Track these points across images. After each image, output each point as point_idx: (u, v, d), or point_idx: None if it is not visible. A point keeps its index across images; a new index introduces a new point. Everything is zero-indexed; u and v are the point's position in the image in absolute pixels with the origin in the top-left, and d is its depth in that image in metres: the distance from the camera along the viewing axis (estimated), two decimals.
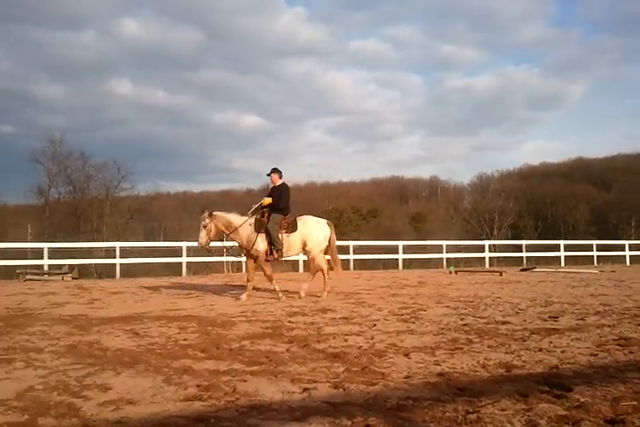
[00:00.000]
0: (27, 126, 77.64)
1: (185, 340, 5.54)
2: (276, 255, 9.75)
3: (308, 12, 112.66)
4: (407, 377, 3.95)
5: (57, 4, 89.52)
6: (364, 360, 4.46)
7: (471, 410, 3.13)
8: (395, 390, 3.59)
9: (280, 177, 10.16)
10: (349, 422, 2.95)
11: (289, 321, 6.74)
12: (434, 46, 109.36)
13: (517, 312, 7.51)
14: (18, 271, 18.00)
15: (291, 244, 9.79)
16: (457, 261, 24.82)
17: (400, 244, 23.14)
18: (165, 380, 3.86)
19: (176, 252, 21.08)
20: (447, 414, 3.08)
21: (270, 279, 9.91)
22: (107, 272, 24.03)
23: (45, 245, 18.94)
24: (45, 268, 18.55)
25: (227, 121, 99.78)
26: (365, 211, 57.49)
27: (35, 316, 7.59)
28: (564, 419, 2.98)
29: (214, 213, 9.81)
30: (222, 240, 10.22)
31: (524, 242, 26.98)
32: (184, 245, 20.38)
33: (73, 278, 17.69)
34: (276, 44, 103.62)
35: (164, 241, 35.20)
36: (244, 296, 9.62)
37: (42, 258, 18.80)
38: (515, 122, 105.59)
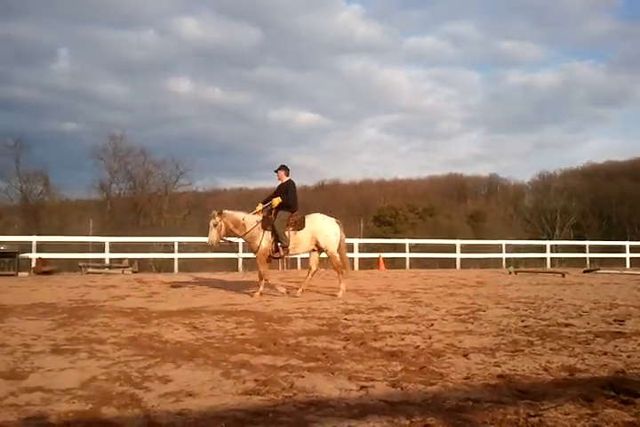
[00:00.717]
0: (89, 124, 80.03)
1: (242, 334, 5.59)
2: (282, 252, 9.75)
3: (365, 10, 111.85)
4: (466, 378, 3.87)
5: (119, 5, 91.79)
6: (421, 360, 4.40)
7: (533, 413, 3.04)
8: (454, 391, 3.52)
9: (287, 174, 10.14)
10: (408, 422, 2.91)
11: (345, 319, 6.72)
12: (493, 43, 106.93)
13: (580, 315, 7.28)
14: (80, 264, 18.58)
15: (298, 241, 9.75)
16: (516, 262, 24.33)
17: (458, 243, 22.85)
18: (224, 373, 3.90)
19: (232, 247, 21.34)
20: (508, 416, 3.00)
21: (261, 278, 9.86)
22: (165, 267, 24.54)
23: (106, 240, 19.48)
24: (106, 261, 19.10)
25: (282, 118, 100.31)
26: (422, 209, 56.95)
27: (97, 308, 7.81)
28: (631, 426, 2.87)
29: (224, 211, 9.89)
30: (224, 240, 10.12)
31: (587, 242, 26.20)
32: (240, 241, 20.60)
33: (133, 272, 18.17)
34: (333, 42, 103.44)
35: None
36: (257, 294, 9.54)
37: (103, 252, 19.36)
38: (578, 119, 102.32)
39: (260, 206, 9.94)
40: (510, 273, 17.60)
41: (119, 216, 45.94)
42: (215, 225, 9.72)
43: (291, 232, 9.68)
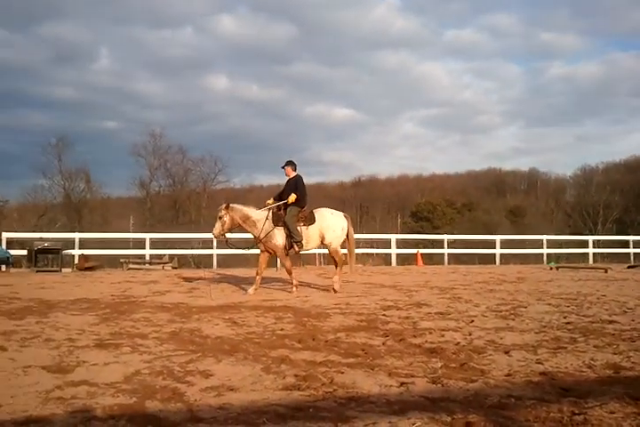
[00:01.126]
0: (129, 122, 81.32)
1: (282, 330, 5.62)
2: (296, 248, 9.70)
3: (401, 3, 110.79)
4: (508, 375, 3.82)
5: (158, 4, 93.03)
6: (462, 356, 4.36)
7: (577, 411, 2.98)
8: (495, 388, 3.48)
9: (294, 169, 10.08)
10: (449, 419, 2.88)
11: (383, 315, 6.70)
12: (533, 34, 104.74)
13: (625, 311, 7.12)
14: (121, 260, 18.95)
15: (310, 236, 9.70)
16: (558, 257, 23.87)
17: (497, 238, 22.57)
18: (264, 369, 3.92)
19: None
20: (552, 414, 2.95)
21: (290, 272, 9.82)
22: (204, 262, 24.80)
23: (147, 236, 19.77)
24: (147, 257, 19.41)
25: (318, 114, 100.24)
26: (460, 204, 56.39)
27: (138, 303, 7.95)
28: None
29: (231, 204, 9.82)
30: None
31: (631, 238, 25.58)
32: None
33: (173, 268, 18.44)
34: (369, 37, 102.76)
35: None
36: (251, 290, 9.45)
37: (144, 248, 19.66)
38: (621, 111, 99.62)
39: (272, 201, 9.85)
40: (551, 269, 17.32)
41: (159, 213, 46.66)
42: (220, 218, 9.64)
43: (302, 227, 9.63)
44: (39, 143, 57.54)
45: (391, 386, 3.50)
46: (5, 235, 18.65)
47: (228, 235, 10.03)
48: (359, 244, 29.39)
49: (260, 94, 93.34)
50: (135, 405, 3.10)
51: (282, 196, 9.87)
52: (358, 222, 64.97)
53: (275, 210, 9.76)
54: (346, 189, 70.48)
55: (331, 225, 9.79)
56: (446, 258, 22.07)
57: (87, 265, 17.67)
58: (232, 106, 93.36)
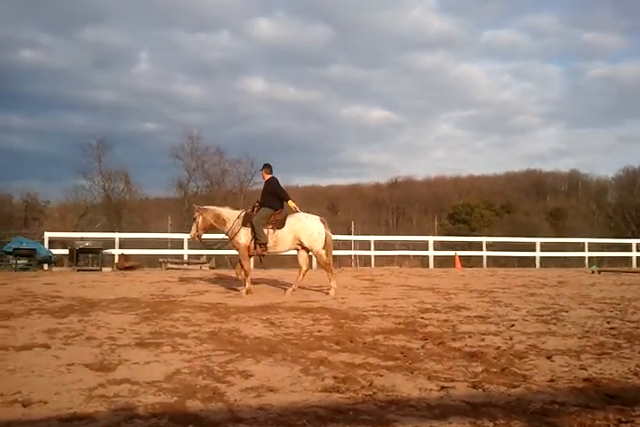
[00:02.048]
0: (167, 124, 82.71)
1: (319, 331, 5.61)
2: (259, 250, 9.69)
3: (438, 4, 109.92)
4: (551, 381, 3.74)
5: (196, 8, 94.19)
6: (503, 361, 4.28)
7: (624, 419, 2.90)
8: (538, 394, 3.41)
9: (267, 172, 10.17)
10: (491, 424, 2.84)
11: (422, 317, 6.64)
12: (573, 34, 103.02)
13: None
14: (160, 260, 19.22)
15: (278, 239, 9.65)
16: (599, 261, 23.41)
17: (537, 241, 22.21)
18: (303, 370, 3.92)
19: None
20: (597, 422, 2.88)
21: (246, 274, 9.81)
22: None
23: (185, 236, 19.93)
24: (185, 257, 19.63)
25: (354, 115, 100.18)
26: (498, 206, 55.73)
27: (177, 303, 8.03)
28: None
29: (204, 206, 10.22)
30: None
31: None
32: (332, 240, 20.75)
33: (210, 268, 18.61)
34: (406, 38, 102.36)
35: None
36: (243, 291, 9.53)
37: (182, 248, 19.90)
38: None
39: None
40: (593, 272, 16.97)
41: None
42: (194, 220, 10.04)
43: (270, 230, 9.63)
44: (80, 145, 58.62)
45: (431, 390, 3.46)
46: (48, 235, 19.09)
47: None
48: (394, 246, 29.29)
49: (297, 96, 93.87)
50: (176, 404, 3.12)
51: (259, 200, 10.01)
52: (394, 224, 64.74)
53: (248, 211, 9.90)
54: (382, 190, 70.26)
55: (305, 229, 9.69)
56: (485, 261, 21.83)
57: (127, 265, 17.97)
58: (268, 108, 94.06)
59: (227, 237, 9.96)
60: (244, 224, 9.71)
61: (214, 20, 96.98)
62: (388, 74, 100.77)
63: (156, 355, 4.42)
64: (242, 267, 9.97)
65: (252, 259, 10.24)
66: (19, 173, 69.86)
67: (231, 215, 9.90)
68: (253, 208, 9.88)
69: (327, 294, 9.50)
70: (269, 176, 10.15)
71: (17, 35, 76.23)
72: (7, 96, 62.10)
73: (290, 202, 9.91)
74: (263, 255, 10.06)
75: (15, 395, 3.26)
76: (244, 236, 9.71)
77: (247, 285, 9.65)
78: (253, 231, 9.61)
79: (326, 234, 9.85)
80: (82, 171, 46.67)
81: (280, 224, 9.63)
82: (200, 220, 9.92)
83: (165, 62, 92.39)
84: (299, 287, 9.89)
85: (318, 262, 10.02)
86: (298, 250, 9.99)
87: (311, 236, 9.67)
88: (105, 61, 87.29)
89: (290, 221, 9.68)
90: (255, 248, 9.71)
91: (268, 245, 9.62)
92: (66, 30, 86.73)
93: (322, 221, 9.93)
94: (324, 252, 9.80)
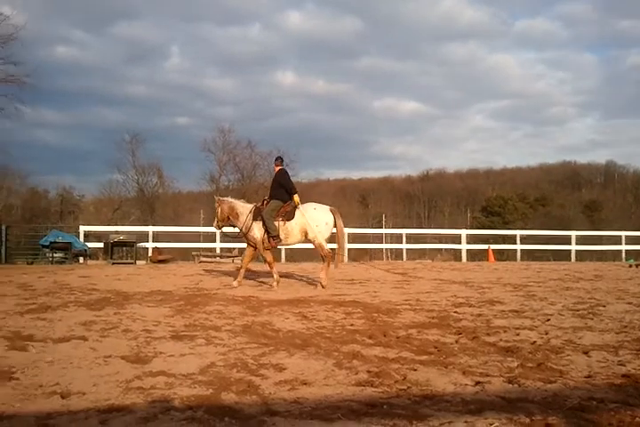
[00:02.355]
0: (199, 118, 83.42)
1: (352, 325, 5.60)
2: (272, 243, 9.72)
3: None
4: (588, 377, 3.67)
5: (227, 1, 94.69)
6: (539, 356, 4.22)
7: None
8: (575, 390, 3.35)
9: (278, 164, 10.25)
10: (528, 420, 2.79)
11: (455, 312, 6.58)
12: (609, 22, 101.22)
13: None
14: (193, 253, 19.40)
15: (289, 231, 9.64)
16: (637, 254, 22.91)
17: (572, 234, 21.86)
18: (336, 364, 3.91)
19: (334, 238, 21.51)
20: (637, 419, 2.82)
21: (271, 266, 9.92)
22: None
23: (217, 230, 20.13)
24: (217, 251, 19.77)
25: (386, 107, 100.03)
26: (533, 199, 54.96)
27: (211, 296, 8.10)
28: None
29: (222, 198, 10.30)
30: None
31: None
32: (345, 231, 20.71)
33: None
34: (437, 29, 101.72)
35: None
36: (235, 283, 9.68)
37: (214, 241, 20.04)
38: None
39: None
40: (631, 266, 16.65)
41: None
42: (215, 210, 10.27)
43: (280, 222, 9.62)
44: (113, 140, 59.66)
45: (466, 385, 3.42)
46: (83, 228, 19.43)
47: None
48: (426, 239, 29.11)
49: (327, 89, 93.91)
50: (212, 396, 3.15)
51: (270, 192, 10.07)
52: (426, 217, 64.34)
53: (258, 205, 9.93)
54: (413, 182, 69.89)
55: (312, 220, 9.62)
56: (519, 254, 21.56)
57: (160, 258, 18.19)
58: (299, 101, 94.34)
59: (239, 230, 10.10)
60: (254, 218, 9.79)
61: (245, 13, 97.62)
62: (420, 65, 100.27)
63: (190, 347, 4.46)
64: (264, 260, 10.13)
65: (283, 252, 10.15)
66: (54, 167, 71.51)
67: (244, 209, 10.00)
68: (263, 201, 9.94)
69: (316, 287, 9.49)
70: (279, 168, 10.21)
71: (51, 31, 77.66)
72: (42, 92, 63.41)
73: (295, 196, 9.77)
74: (275, 248, 10.11)
75: (54, 386, 3.32)
76: (258, 230, 9.78)
77: (275, 276, 9.73)
78: (264, 224, 9.67)
79: (338, 225, 9.79)
80: (116, 165, 47.26)
81: (290, 216, 9.64)
82: (219, 211, 10.17)
83: (197, 56, 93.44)
84: (330, 281, 9.88)
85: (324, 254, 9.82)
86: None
87: (318, 227, 9.61)
88: (137, 56, 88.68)
89: (298, 212, 9.68)
90: (269, 241, 9.74)
91: (281, 237, 9.67)
92: (99, 26, 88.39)
93: (332, 211, 9.83)
94: (325, 244, 9.78)
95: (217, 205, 10.25)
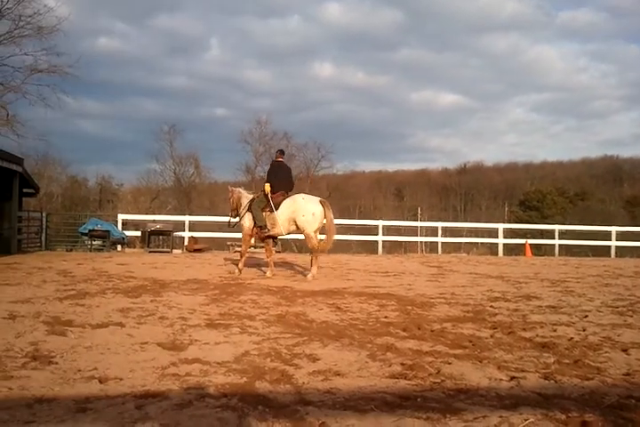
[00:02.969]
0: (237, 109, 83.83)
1: (386, 317, 5.58)
2: (260, 233, 10.04)
3: None
4: (627, 374, 3.60)
5: None
6: (576, 353, 4.15)
7: None
8: (613, 388, 3.29)
9: (276, 156, 10.68)
10: (564, 417, 2.75)
11: (491, 306, 6.51)
12: None
13: None
14: (228, 243, 19.51)
15: (275, 221, 9.75)
16: None
17: (613, 229, 21.39)
18: (370, 355, 3.91)
19: (371, 230, 21.49)
20: None
21: (241, 255, 10.44)
22: (306, 248, 25.17)
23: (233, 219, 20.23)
24: (252, 241, 19.86)
25: (424, 100, 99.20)
26: (572, 193, 53.93)
27: (245, 285, 8.17)
28: None
29: (233, 188, 10.72)
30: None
31: None
32: (380, 223, 20.68)
33: (277, 252, 18.79)
34: (478, 20, 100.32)
35: (359, 219, 36.06)
36: (269, 273, 9.95)
37: None
38: None
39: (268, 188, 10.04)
40: None
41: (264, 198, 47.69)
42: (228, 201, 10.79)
43: (267, 213, 9.83)
44: (152, 130, 60.43)
45: (501, 380, 3.39)
46: (121, 217, 19.71)
47: None
48: (462, 233, 28.83)
49: (365, 81, 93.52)
50: (246, 385, 3.17)
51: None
52: (462, 210, 63.74)
53: (256, 195, 10.26)
54: (450, 175, 69.26)
55: (300, 210, 9.66)
56: (557, 249, 21.19)
57: (196, 247, 18.35)
58: (336, 93, 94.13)
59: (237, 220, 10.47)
60: (249, 209, 10.11)
61: (285, 5, 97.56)
62: (460, 57, 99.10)
63: (225, 336, 4.50)
64: (241, 249, 10.68)
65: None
66: (94, 157, 72.84)
67: (245, 200, 10.33)
68: (260, 193, 10.21)
69: (306, 277, 9.55)
70: (277, 160, 10.50)
71: (94, 23, 78.72)
72: (84, 83, 64.50)
73: (265, 185, 10.02)
74: (265, 238, 10.27)
75: (92, 371, 3.39)
76: (248, 220, 10.14)
77: (240, 265, 10.21)
78: (252, 215, 10.01)
79: (327, 217, 9.79)
80: (154, 155, 47.96)
81: (277, 206, 9.80)
82: (231, 201, 10.57)
83: (236, 48, 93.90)
84: (365, 273, 9.87)
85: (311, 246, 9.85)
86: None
87: (305, 217, 9.65)
88: (177, 48, 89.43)
89: (286, 202, 9.79)
90: (257, 231, 10.10)
91: (268, 227, 9.87)
92: (140, 19, 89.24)
93: (322, 202, 9.83)
94: (314, 235, 9.79)
95: (229, 195, 10.63)
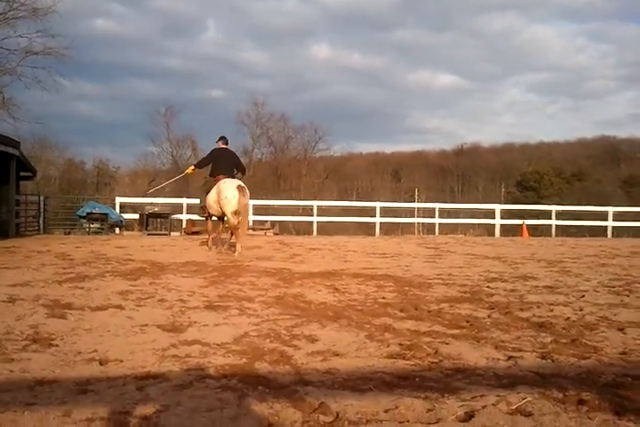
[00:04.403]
0: (234, 90, 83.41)
1: (383, 298, 5.61)
2: (202, 213, 11.41)
3: None
4: (623, 353, 3.63)
5: None
6: (573, 332, 4.18)
7: None
8: (609, 366, 3.32)
9: (217, 143, 11.51)
10: (561, 395, 2.77)
11: (488, 286, 6.54)
12: None
13: None
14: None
15: (209, 203, 10.81)
16: None
17: (610, 210, 21.43)
18: (368, 336, 3.93)
19: (368, 212, 21.52)
20: None
21: (208, 233, 11.75)
22: (304, 229, 25.23)
23: (250, 202, 20.25)
24: (250, 223, 19.89)
25: (420, 81, 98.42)
26: (569, 173, 53.96)
27: (243, 267, 8.19)
28: None
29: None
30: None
31: None
32: (377, 205, 20.72)
33: (275, 234, 18.85)
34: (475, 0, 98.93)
35: (356, 201, 36.08)
36: (212, 250, 11.05)
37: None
38: None
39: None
40: None
41: (261, 180, 47.68)
42: None
43: (204, 195, 10.99)
44: (148, 112, 60.13)
45: (498, 359, 3.41)
46: (119, 199, 19.73)
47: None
48: (459, 214, 28.87)
49: (362, 62, 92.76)
50: (245, 365, 3.19)
51: None
52: (459, 192, 63.74)
53: (206, 180, 11.53)
54: (447, 157, 69.09)
55: (220, 193, 10.35)
56: (554, 230, 21.26)
57: (194, 229, 18.40)
58: (333, 74, 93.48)
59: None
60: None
61: None
62: (457, 37, 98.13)
63: (224, 318, 4.52)
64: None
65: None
66: (91, 139, 72.47)
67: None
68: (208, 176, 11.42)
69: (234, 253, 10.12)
70: (215, 148, 11.47)
71: (90, 4, 77.66)
72: (80, 64, 63.86)
73: (189, 168, 11.97)
74: (207, 217, 11.47)
75: (92, 353, 3.40)
76: (200, 202, 11.43)
77: (209, 243, 11.49)
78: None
79: (240, 201, 10.21)
80: (150, 137, 47.80)
81: (208, 189, 10.86)
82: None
83: (233, 29, 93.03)
84: (362, 255, 9.92)
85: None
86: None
87: (223, 200, 10.29)
88: (174, 29, 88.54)
89: (217, 186, 10.52)
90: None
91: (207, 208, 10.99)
92: (138, 0, 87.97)
93: (238, 187, 10.26)
94: (231, 216, 10.37)
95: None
